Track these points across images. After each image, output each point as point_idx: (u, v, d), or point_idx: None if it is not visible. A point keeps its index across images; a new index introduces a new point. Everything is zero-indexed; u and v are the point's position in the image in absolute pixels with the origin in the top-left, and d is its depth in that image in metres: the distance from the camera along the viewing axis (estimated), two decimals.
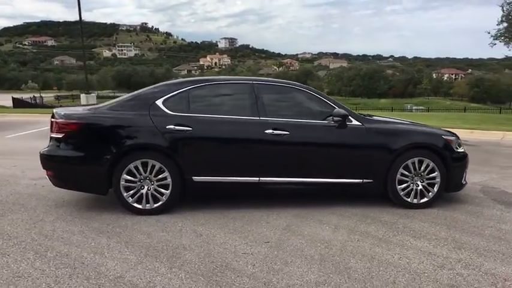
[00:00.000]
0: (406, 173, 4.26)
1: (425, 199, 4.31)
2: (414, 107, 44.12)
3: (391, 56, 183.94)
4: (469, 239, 3.50)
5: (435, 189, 4.31)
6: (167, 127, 4.01)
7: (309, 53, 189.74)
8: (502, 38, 24.41)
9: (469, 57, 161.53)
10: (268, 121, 4.13)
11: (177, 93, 4.20)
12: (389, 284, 2.71)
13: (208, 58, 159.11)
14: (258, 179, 4.13)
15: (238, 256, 3.12)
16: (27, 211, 4.08)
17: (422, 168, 4.26)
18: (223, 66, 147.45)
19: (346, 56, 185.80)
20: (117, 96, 6.16)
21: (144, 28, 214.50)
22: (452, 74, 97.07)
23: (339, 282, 2.73)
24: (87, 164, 4.02)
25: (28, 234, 3.48)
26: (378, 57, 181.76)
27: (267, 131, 4.08)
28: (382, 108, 40.17)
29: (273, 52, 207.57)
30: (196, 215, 4.04)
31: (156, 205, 4.05)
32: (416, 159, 4.25)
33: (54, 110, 4.25)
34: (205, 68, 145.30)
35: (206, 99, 4.33)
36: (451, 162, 4.30)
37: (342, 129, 4.22)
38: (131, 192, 4.01)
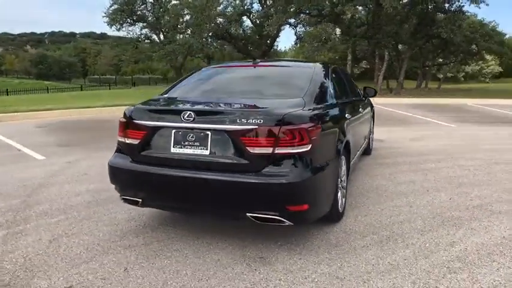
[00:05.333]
0: None
1: None
2: None
3: None
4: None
5: None
6: None
7: None
8: (112, 18, 27.10)
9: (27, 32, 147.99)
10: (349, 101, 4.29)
11: None
12: None
13: None
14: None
15: None
16: None
17: None
18: None
19: None
20: None
21: None
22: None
23: None
24: (332, 178, 3.06)
25: None
26: None
27: (360, 110, 4.56)
28: None
29: None
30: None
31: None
32: None
33: (285, 112, 2.62)
34: None
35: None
36: None
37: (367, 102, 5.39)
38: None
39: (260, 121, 2.55)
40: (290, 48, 69.62)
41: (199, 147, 2.70)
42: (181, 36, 34.72)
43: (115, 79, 54.82)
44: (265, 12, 22.23)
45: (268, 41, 28.46)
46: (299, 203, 2.61)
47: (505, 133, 8.67)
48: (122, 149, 3.09)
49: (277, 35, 28.51)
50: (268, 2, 26.05)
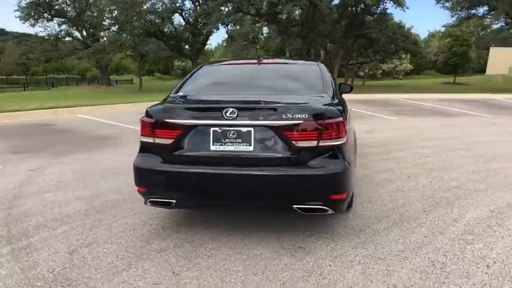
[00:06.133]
0: None
1: None
2: None
3: None
4: None
5: None
6: None
7: None
8: (26, 13, 24.72)
9: None
10: None
11: None
12: None
13: None
14: None
15: None
16: None
17: None
18: None
19: None
20: None
21: None
22: None
23: None
24: (354, 167, 3.36)
25: None
26: None
27: None
28: None
29: None
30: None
31: None
32: None
33: (325, 107, 2.76)
34: None
35: None
36: None
37: None
38: None
39: (305, 116, 2.66)
40: (216, 47, 69.68)
41: (242, 144, 2.73)
42: (106, 33, 32.90)
43: (26, 79, 49.76)
44: (204, 10, 22.01)
45: (201, 39, 28.21)
46: (341, 192, 2.77)
47: (438, 123, 9.75)
48: (147, 149, 2.97)
49: (210, 33, 28.38)
50: (200, 0, 25.81)
